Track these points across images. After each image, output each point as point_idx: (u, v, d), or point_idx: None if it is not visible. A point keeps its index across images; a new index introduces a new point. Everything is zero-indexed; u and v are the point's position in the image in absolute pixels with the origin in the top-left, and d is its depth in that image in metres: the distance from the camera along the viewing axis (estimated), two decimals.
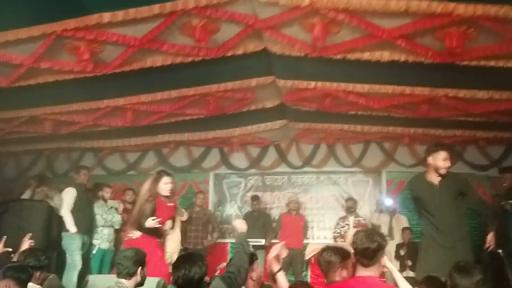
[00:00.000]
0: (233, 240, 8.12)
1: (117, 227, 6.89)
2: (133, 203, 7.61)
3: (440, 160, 4.28)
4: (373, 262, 2.65)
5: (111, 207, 6.95)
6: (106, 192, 7.01)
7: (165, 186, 4.80)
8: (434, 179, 4.35)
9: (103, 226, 6.74)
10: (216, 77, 5.65)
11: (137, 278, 3.12)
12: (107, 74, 5.13)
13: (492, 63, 4.59)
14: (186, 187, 9.12)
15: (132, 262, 3.12)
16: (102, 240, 6.64)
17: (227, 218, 9.04)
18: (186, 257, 2.90)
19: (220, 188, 9.22)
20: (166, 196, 4.83)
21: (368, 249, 2.64)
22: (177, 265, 2.83)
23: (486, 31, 4.09)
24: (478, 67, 4.65)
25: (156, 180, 4.80)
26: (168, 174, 4.92)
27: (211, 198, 9.09)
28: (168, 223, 7.41)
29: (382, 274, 2.72)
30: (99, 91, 5.86)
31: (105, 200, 6.97)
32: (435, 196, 4.32)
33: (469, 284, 2.80)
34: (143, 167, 9.18)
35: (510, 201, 4.83)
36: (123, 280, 3.08)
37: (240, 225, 3.51)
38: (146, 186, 4.83)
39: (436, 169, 4.32)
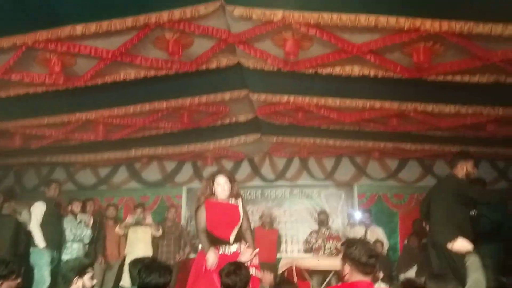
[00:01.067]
0: None
1: (86, 241, 6.77)
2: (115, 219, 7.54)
3: (470, 167, 4.75)
4: (374, 269, 2.70)
5: (80, 221, 6.82)
6: (76, 207, 6.90)
7: (218, 187, 4.12)
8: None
9: (72, 241, 6.62)
10: (190, 91, 5.67)
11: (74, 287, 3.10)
12: (79, 87, 5.08)
13: (458, 78, 4.74)
14: (159, 201, 9.04)
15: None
16: (72, 255, 6.50)
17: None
18: (153, 265, 2.94)
19: (193, 202, 9.11)
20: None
21: (372, 257, 2.68)
22: (139, 270, 2.87)
23: (453, 47, 4.23)
24: (445, 82, 4.79)
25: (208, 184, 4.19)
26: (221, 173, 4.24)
27: (184, 212, 9.02)
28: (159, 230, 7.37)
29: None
30: (70, 104, 5.80)
31: (75, 215, 6.85)
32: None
33: None
34: (115, 181, 9.07)
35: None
36: None
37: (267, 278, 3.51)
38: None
39: (467, 175, 4.74)
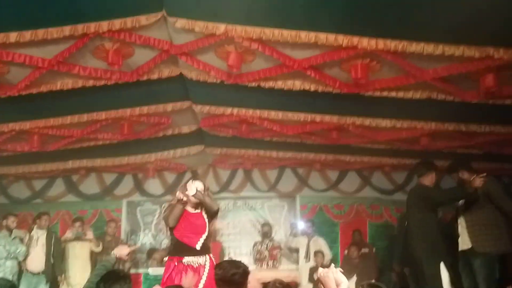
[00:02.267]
0: (146, 270, 7.89)
1: (21, 259, 6.44)
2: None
3: (434, 177, 4.94)
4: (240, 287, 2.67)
5: (15, 238, 6.48)
6: (12, 222, 6.55)
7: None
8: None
9: (5, 258, 6.28)
10: (130, 101, 5.55)
11: None
12: (13, 96, 4.83)
13: (393, 94, 4.93)
14: (97, 215, 8.74)
15: None
16: (5, 273, 6.17)
17: (141, 247, 8.76)
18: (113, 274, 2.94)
19: (134, 216, 8.93)
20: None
21: (235, 275, 2.68)
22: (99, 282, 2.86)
23: (388, 64, 4.40)
24: (381, 97, 4.97)
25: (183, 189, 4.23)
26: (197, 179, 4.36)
27: (124, 226, 8.77)
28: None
29: None
30: (3, 114, 5.49)
31: (10, 230, 6.50)
32: None
33: None
34: (51, 195, 8.70)
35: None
36: None
37: (121, 251, 3.47)
38: None
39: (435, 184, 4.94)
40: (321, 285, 2.62)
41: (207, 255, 4.10)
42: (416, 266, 4.92)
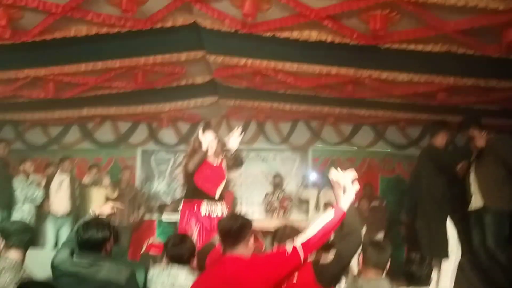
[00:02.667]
0: (160, 217, 8.10)
1: (38, 203, 6.63)
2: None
3: (446, 136, 4.96)
4: (239, 241, 2.66)
5: (32, 182, 6.65)
6: (29, 167, 6.70)
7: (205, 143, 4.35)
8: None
9: (23, 202, 6.47)
10: (144, 50, 5.49)
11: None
12: (27, 42, 4.82)
13: (412, 46, 4.81)
14: (112, 163, 8.90)
15: None
16: (23, 216, 6.38)
17: (155, 195, 8.96)
18: (90, 221, 3.00)
19: (148, 164, 9.09)
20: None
21: (232, 228, 2.68)
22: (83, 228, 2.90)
23: (408, 15, 4.26)
24: (399, 50, 4.86)
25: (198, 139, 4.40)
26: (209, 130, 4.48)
27: (138, 174, 8.94)
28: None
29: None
30: (18, 60, 5.50)
31: (27, 175, 6.66)
32: None
33: (380, 258, 2.99)
34: (66, 141, 8.82)
35: None
36: None
37: (103, 209, 3.56)
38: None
39: (446, 144, 4.94)
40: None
41: (221, 202, 4.31)
42: (424, 221, 5.00)
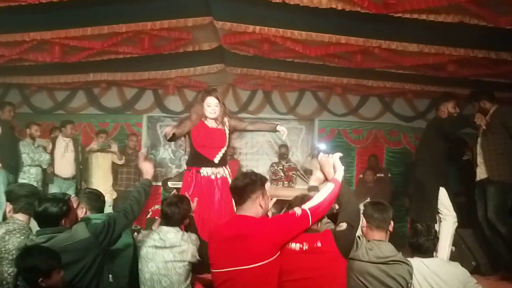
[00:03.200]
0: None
1: (45, 166, 6.69)
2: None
3: (451, 107, 4.90)
4: (244, 199, 2.70)
5: (39, 146, 6.68)
6: (35, 130, 6.73)
7: (208, 108, 4.20)
8: None
9: (30, 166, 6.53)
10: (151, 14, 5.41)
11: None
12: (33, 4, 4.74)
13: (423, 16, 4.71)
14: (118, 128, 8.92)
15: None
16: (30, 179, 6.44)
17: (160, 161, 9.01)
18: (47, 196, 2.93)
19: (154, 131, 9.11)
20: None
21: (237, 186, 2.73)
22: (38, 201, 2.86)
23: None
24: (410, 20, 4.76)
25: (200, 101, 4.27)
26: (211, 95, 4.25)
27: (144, 141, 8.98)
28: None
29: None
30: (24, 22, 5.45)
31: (33, 139, 6.70)
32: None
33: (382, 217, 3.05)
34: (72, 106, 8.84)
35: None
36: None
37: (148, 169, 3.52)
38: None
39: (449, 116, 4.92)
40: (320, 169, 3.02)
41: (224, 167, 4.21)
42: (416, 187, 5.16)
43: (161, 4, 5.09)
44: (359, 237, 2.99)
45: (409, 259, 3.17)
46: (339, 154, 3.00)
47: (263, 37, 5.83)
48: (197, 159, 4.15)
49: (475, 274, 4.74)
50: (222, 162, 4.21)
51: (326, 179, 3.00)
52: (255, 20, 5.49)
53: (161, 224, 3.42)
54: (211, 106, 4.17)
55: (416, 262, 3.15)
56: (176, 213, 3.30)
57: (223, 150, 4.19)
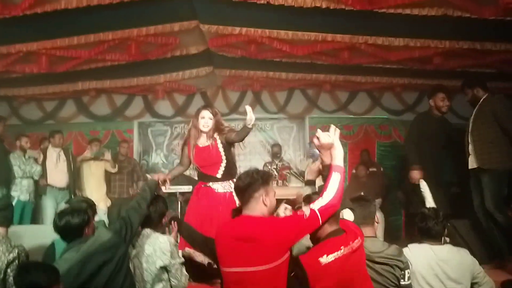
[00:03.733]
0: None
1: (36, 177, 6.65)
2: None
3: (439, 100, 4.94)
4: (247, 198, 2.66)
5: (29, 158, 6.65)
6: (25, 142, 6.69)
7: (202, 120, 4.16)
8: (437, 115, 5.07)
9: (21, 178, 6.50)
10: (137, 21, 5.43)
11: None
12: (18, 16, 4.75)
13: (408, 11, 4.77)
14: (109, 136, 8.90)
15: None
16: (22, 191, 6.42)
17: (153, 166, 9.00)
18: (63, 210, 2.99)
19: (145, 136, 9.10)
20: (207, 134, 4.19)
21: (238, 186, 2.71)
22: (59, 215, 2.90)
23: None
24: (394, 15, 4.82)
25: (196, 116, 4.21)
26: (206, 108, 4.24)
27: (136, 147, 8.97)
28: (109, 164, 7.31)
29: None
30: (9, 35, 5.44)
31: (24, 151, 6.66)
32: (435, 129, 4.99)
33: (364, 213, 3.06)
34: (62, 116, 8.80)
35: None
36: None
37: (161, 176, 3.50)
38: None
39: (438, 109, 4.99)
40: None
41: (230, 180, 4.14)
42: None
43: (146, 10, 5.10)
44: None
45: (416, 244, 3.21)
46: (337, 131, 2.76)
47: (249, 38, 5.87)
48: (203, 177, 4.20)
49: None
50: (227, 176, 4.16)
51: (322, 165, 2.82)
52: (241, 22, 5.52)
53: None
54: (204, 118, 4.14)
55: (425, 249, 3.18)
56: (152, 212, 3.28)
57: (223, 165, 4.14)
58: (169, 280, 3.16)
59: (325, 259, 2.44)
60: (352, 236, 2.59)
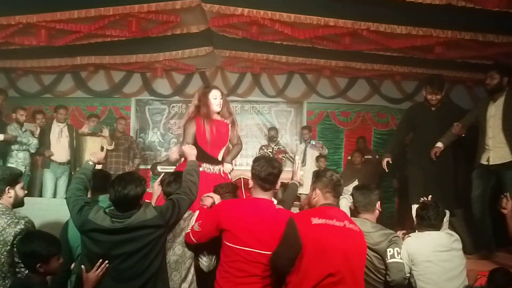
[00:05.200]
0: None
1: (33, 151, 6.66)
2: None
3: (427, 93, 4.88)
4: (273, 186, 2.85)
5: (26, 130, 6.64)
6: (21, 115, 6.67)
7: (215, 100, 4.17)
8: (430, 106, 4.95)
9: (17, 150, 6.51)
10: None
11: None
12: None
13: None
14: (107, 112, 8.88)
15: None
16: (17, 164, 6.40)
17: (149, 144, 9.01)
18: (123, 176, 2.85)
19: (142, 114, 9.08)
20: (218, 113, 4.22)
21: (271, 174, 2.81)
22: (112, 183, 2.78)
23: None
24: (398, 2, 4.79)
25: (206, 93, 4.19)
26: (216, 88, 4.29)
27: (133, 124, 8.97)
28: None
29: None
30: (9, 6, 5.38)
31: (20, 123, 6.65)
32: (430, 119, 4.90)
33: (365, 201, 3.22)
34: (60, 90, 8.77)
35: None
36: None
37: (190, 150, 3.42)
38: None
39: (427, 101, 4.90)
40: None
41: (222, 164, 4.23)
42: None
43: None
44: None
45: (413, 235, 3.39)
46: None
47: (251, 19, 5.82)
48: (200, 155, 3.92)
49: None
50: (222, 160, 4.23)
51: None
52: (243, 2, 5.48)
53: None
54: (216, 98, 4.15)
55: (423, 236, 3.36)
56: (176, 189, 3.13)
57: (224, 148, 4.22)
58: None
59: (316, 220, 2.59)
60: (350, 221, 2.72)
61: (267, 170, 2.80)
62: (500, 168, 4.50)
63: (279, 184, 2.94)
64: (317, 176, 2.93)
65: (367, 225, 3.10)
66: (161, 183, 3.29)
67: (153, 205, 2.98)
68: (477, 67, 6.89)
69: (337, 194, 2.85)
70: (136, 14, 5.71)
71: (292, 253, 2.53)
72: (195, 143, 4.02)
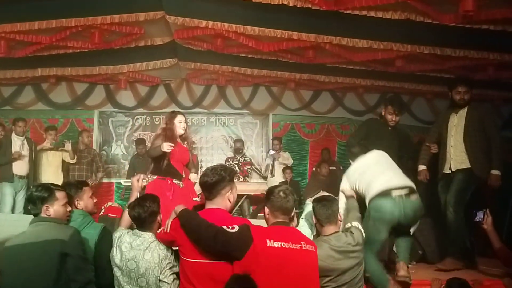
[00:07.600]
0: (118, 180, 8.04)
1: None
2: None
3: (388, 113, 4.77)
4: (214, 195, 2.77)
5: None
6: None
7: (180, 124, 4.58)
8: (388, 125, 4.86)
9: None
10: (101, 8, 5.30)
11: None
12: None
13: (372, 13, 4.86)
14: (68, 125, 8.69)
15: None
16: None
17: (113, 157, 8.85)
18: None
19: (106, 126, 8.93)
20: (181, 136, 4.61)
21: (206, 182, 2.77)
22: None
23: None
24: (360, 16, 4.90)
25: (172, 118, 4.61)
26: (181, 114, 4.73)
27: (96, 137, 8.80)
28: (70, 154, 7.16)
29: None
30: None
31: None
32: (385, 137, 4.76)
33: (327, 213, 3.17)
34: (20, 102, 8.53)
35: None
36: None
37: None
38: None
39: (385, 120, 4.80)
40: None
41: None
42: None
43: None
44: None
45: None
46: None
47: (216, 32, 5.83)
48: (169, 172, 4.40)
49: (422, 262, 4.96)
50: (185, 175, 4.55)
51: None
52: (208, 15, 5.48)
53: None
54: (182, 122, 4.56)
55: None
56: (142, 213, 3.07)
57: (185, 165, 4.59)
58: None
59: (271, 243, 2.60)
60: (306, 241, 2.75)
61: (202, 178, 2.81)
62: (458, 172, 4.67)
63: (226, 194, 2.81)
64: (267, 194, 2.92)
65: (341, 238, 3.12)
66: (128, 206, 3.26)
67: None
68: (436, 80, 7.12)
69: (286, 212, 2.82)
70: (99, 25, 5.63)
71: (244, 240, 2.56)
72: (168, 162, 4.39)
